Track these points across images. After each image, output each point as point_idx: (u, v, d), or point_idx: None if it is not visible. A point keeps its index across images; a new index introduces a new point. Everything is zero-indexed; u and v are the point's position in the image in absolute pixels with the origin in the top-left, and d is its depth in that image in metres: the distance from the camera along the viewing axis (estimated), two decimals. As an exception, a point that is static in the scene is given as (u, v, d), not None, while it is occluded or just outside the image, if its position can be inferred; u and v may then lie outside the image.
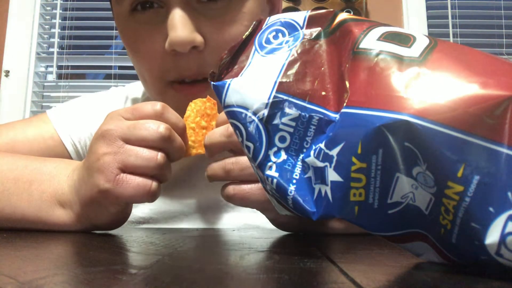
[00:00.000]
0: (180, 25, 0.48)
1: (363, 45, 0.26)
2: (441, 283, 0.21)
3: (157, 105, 0.42)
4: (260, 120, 0.28)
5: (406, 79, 0.23)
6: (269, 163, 0.28)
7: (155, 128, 0.40)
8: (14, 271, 0.21)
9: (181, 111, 0.45)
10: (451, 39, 1.78)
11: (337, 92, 0.27)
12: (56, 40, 1.81)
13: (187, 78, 0.52)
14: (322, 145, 0.26)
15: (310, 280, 0.21)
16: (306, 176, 0.27)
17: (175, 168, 0.46)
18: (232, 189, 0.41)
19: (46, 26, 1.86)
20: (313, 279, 0.21)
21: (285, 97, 0.27)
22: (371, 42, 0.26)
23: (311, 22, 0.29)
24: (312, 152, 0.27)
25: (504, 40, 1.80)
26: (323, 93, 0.27)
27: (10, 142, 0.58)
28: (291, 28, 0.30)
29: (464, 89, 0.21)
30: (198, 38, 0.49)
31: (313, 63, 0.28)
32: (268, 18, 0.31)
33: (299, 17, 0.30)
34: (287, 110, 0.27)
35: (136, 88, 0.67)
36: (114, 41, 1.84)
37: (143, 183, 0.40)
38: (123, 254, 0.30)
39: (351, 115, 0.24)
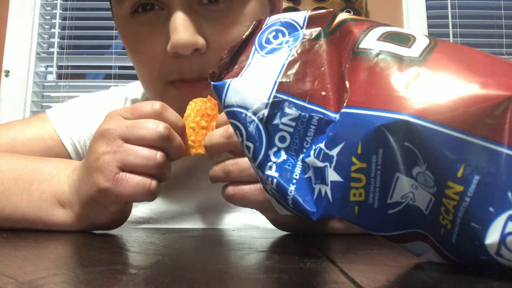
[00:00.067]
0: (182, 28, 0.48)
1: (363, 45, 0.26)
2: (441, 283, 0.21)
3: (156, 105, 0.42)
4: (260, 120, 0.28)
5: (406, 79, 0.23)
6: (269, 163, 0.28)
7: (154, 127, 0.40)
8: (14, 271, 0.21)
9: (182, 110, 0.45)
10: (451, 39, 1.78)
11: (337, 92, 0.27)
12: (56, 40, 1.81)
13: (187, 78, 0.52)
14: (322, 145, 0.26)
15: (310, 280, 0.21)
16: (306, 176, 0.27)
17: (175, 168, 0.46)
18: (231, 189, 0.42)
19: (46, 26, 1.86)
20: (313, 279, 0.21)
21: (285, 97, 0.27)
22: (371, 42, 0.26)
23: (311, 22, 0.29)
24: (312, 152, 0.27)
25: (504, 40, 1.80)
26: (323, 93, 0.27)
27: (9, 142, 0.58)
28: (291, 28, 0.30)
29: (464, 89, 0.21)
30: (200, 41, 0.49)
31: (313, 63, 0.28)
32: (268, 18, 0.31)
33: (299, 17, 0.30)
34: (287, 110, 0.27)
35: (136, 88, 0.67)
36: (114, 41, 1.84)
37: (142, 182, 0.40)
38: (123, 254, 0.30)
39: (351, 115, 0.24)
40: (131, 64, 0.57)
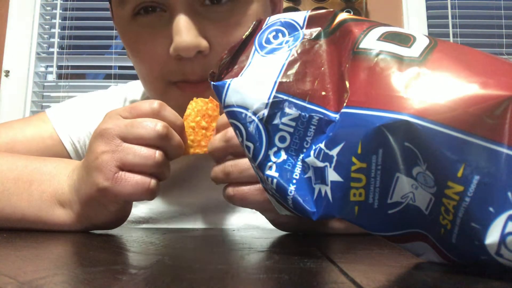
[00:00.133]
0: (185, 30, 0.47)
1: (363, 45, 0.26)
2: (441, 283, 0.21)
3: (155, 103, 0.42)
4: (260, 120, 0.28)
5: (406, 79, 0.23)
6: (269, 163, 0.28)
7: (152, 126, 0.40)
8: (14, 271, 0.21)
9: (183, 110, 0.45)
10: (451, 39, 1.78)
11: (337, 92, 0.27)
12: (56, 40, 1.81)
13: (190, 79, 0.51)
14: (322, 145, 0.26)
15: (310, 280, 0.21)
16: (306, 176, 0.27)
17: (175, 168, 0.46)
18: (231, 190, 0.42)
19: (46, 26, 1.86)
20: (313, 279, 0.21)
21: (285, 97, 0.27)
22: (371, 42, 0.26)
23: (311, 22, 0.29)
24: (312, 152, 0.27)
25: (504, 40, 1.80)
26: (323, 93, 0.27)
27: (9, 141, 0.58)
28: (291, 28, 0.30)
29: (464, 89, 0.21)
30: (203, 43, 0.49)
31: (313, 63, 0.28)
32: (268, 18, 0.31)
33: (299, 17, 0.30)
34: (287, 110, 0.27)
35: (135, 88, 0.67)
36: (114, 41, 1.84)
37: (141, 181, 0.40)
38: (123, 254, 0.30)
39: (351, 115, 0.24)
40: (131, 64, 0.57)
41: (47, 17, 1.86)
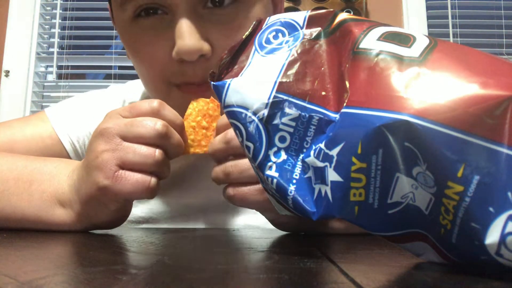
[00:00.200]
0: (187, 34, 0.47)
1: (363, 45, 0.26)
2: (441, 283, 0.21)
3: (154, 103, 0.42)
4: (260, 120, 0.28)
5: (406, 79, 0.23)
6: (269, 163, 0.28)
7: (152, 125, 0.40)
8: (14, 271, 0.21)
9: (184, 110, 0.45)
10: (451, 39, 1.78)
11: (337, 92, 0.27)
12: (56, 40, 1.81)
13: (192, 83, 0.51)
14: (322, 145, 0.26)
15: (310, 280, 0.21)
16: (306, 176, 0.27)
17: (175, 168, 0.46)
18: (232, 190, 0.42)
19: (46, 26, 1.86)
20: (313, 279, 0.21)
21: (285, 97, 0.27)
22: (371, 42, 0.26)
23: (311, 22, 0.29)
24: (312, 152, 0.27)
25: (504, 40, 1.80)
26: (323, 93, 0.27)
27: (8, 141, 0.58)
28: (291, 28, 0.30)
29: (464, 89, 0.21)
30: (206, 47, 0.48)
31: (313, 63, 0.28)
32: (268, 18, 0.31)
33: (299, 17, 0.30)
34: (287, 110, 0.27)
35: (135, 89, 0.67)
36: (114, 41, 1.84)
37: (142, 179, 0.40)
38: (123, 254, 0.30)
39: (351, 115, 0.24)
40: (131, 64, 0.57)
41: (47, 17, 1.86)
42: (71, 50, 1.84)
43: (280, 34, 0.30)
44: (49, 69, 1.86)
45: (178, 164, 0.48)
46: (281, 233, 0.47)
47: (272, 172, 0.28)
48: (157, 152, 0.40)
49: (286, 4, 1.73)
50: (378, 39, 0.26)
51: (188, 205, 0.60)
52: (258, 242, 0.38)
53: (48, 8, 1.86)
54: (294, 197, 0.27)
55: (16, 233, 0.42)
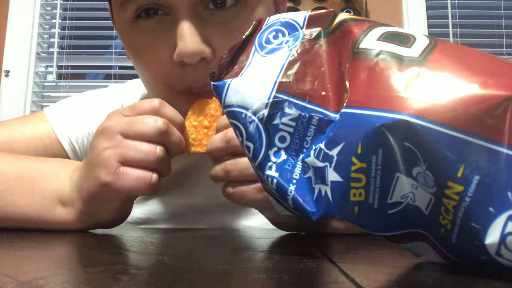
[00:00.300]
0: (188, 37, 0.47)
1: (363, 45, 0.26)
2: (441, 283, 0.21)
3: (155, 102, 0.43)
4: (260, 120, 0.28)
5: (406, 79, 0.23)
6: (269, 163, 0.28)
7: (153, 123, 0.41)
8: (14, 271, 0.21)
9: (186, 113, 0.46)
10: (451, 39, 1.78)
11: (337, 92, 0.27)
12: (56, 40, 1.81)
13: (194, 89, 0.51)
14: (322, 145, 0.26)
15: (310, 280, 0.21)
16: (306, 176, 0.27)
17: (174, 168, 0.46)
18: (231, 188, 0.42)
19: (46, 26, 1.86)
20: (313, 279, 0.21)
21: (285, 97, 0.27)
22: (371, 42, 0.26)
23: (311, 22, 0.29)
24: (312, 152, 0.27)
25: (504, 40, 1.80)
26: (323, 93, 0.27)
27: (7, 140, 0.58)
28: (291, 28, 0.30)
29: (464, 89, 0.21)
30: (207, 50, 0.48)
31: (313, 63, 0.28)
32: (268, 18, 0.31)
33: (299, 17, 0.30)
34: (287, 110, 0.27)
35: (134, 90, 0.67)
36: (114, 41, 1.84)
37: (143, 175, 0.41)
38: (123, 254, 0.30)
39: (351, 115, 0.24)
40: (131, 64, 0.57)
41: (47, 17, 1.86)
42: (71, 50, 1.84)
43: (280, 34, 0.30)
44: (49, 69, 1.86)
45: (176, 165, 0.48)
46: (281, 233, 0.47)
47: (272, 172, 0.28)
48: (158, 149, 0.41)
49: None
50: (378, 39, 0.26)
51: (187, 206, 0.60)
52: (258, 242, 0.38)
53: (48, 8, 1.86)
54: (294, 197, 0.27)
55: (16, 233, 0.42)
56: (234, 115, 0.28)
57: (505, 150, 0.20)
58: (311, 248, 0.34)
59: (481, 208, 0.21)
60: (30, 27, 1.80)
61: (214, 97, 0.46)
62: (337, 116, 0.26)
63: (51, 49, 1.86)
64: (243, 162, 0.41)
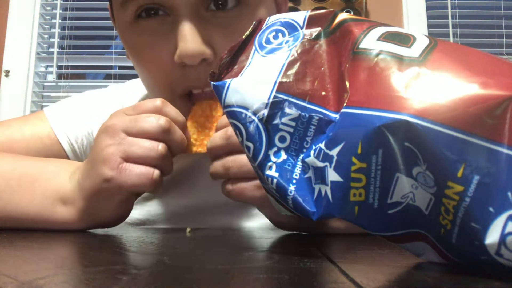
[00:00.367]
0: (189, 38, 0.47)
1: (363, 45, 0.26)
2: (441, 283, 0.21)
3: (157, 101, 0.44)
4: (260, 120, 0.28)
5: (406, 79, 0.23)
6: (269, 163, 0.28)
7: (155, 121, 0.42)
8: (14, 271, 0.21)
9: (186, 116, 0.46)
10: (451, 39, 1.78)
11: (337, 92, 0.27)
12: (56, 40, 1.81)
13: (195, 90, 0.51)
14: (322, 145, 0.26)
15: (310, 280, 0.21)
16: (306, 176, 0.27)
17: (174, 169, 0.46)
18: (230, 185, 0.42)
19: (46, 26, 1.86)
20: (313, 279, 0.21)
21: (285, 97, 0.27)
22: (371, 42, 0.26)
23: (311, 22, 0.29)
24: (312, 152, 0.27)
25: (504, 40, 1.80)
26: (323, 93, 0.27)
27: (6, 141, 0.58)
28: (291, 28, 0.30)
29: (464, 89, 0.21)
30: (208, 51, 0.48)
31: (313, 63, 0.28)
32: (268, 18, 0.31)
33: (299, 17, 0.30)
34: (287, 110, 0.27)
35: (134, 90, 0.67)
36: (114, 41, 1.84)
37: (145, 170, 0.41)
38: (123, 254, 0.30)
39: (351, 115, 0.24)
40: (131, 64, 0.57)
41: (47, 17, 1.86)
42: (71, 50, 1.84)
43: (280, 34, 0.30)
44: (49, 69, 1.86)
45: (177, 165, 0.48)
46: (281, 233, 0.47)
47: (272, 172, 0.28)
48: (161, 146, 0.42)
49: (286, 4, 1.73)
50: (378, 39, 0.26)
51: (187, 207, 0.60)
52: (258, 242, 0.38)
53: (48, 8, 1.86)
54: (294, 197, 0.27)
55: (16, 233, 0.42)
56: (234, 115, 0.28)
57: (505, 150, 0.20)
58: (311, 248, 0.34)
59: (481, 208, 0.21)
60: (30, 27, 1.80)
61: (215, 98, 0.46)
62: (337, 116, 0.26)
63: (51, 49, 1.85)
64: (243, 159, 0.41)
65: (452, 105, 0.21)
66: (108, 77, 1.89)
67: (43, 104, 1.81)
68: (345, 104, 0.25)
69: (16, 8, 1.80)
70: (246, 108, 0.28)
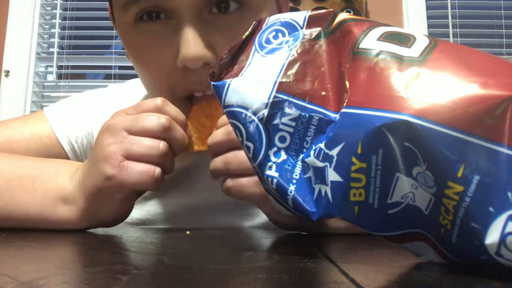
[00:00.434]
0: (192, 42, 0.47)
1: (363, 45, 0.26)
2: (441, 283, 0.21)
3: (158, 100, 0.44)
4: (260, 120, 0.28)
5: (406, 79, 0.23)
6: (269, 163, 0.28)
7: (156, 119, 0.42)
8: (14, 271, 0.21)
9: (187, 117, 0.46)
10: (451, 39, 1.78)
11: (337, 92, 0.27)
12: (56, 40, 1.81)
13: (196, 92, 0.51)
14: (322, 145, 0.26)
15: (310, 280, 0.21)
16: (306, 176, 0.27)
17: (174, 168, 0.46)
18: (230, 181, 0.43)
19: (46, 26, 1.86)
20: (313, 279, 0.21)
21: (285, 97, 0.27)
22: (371, 42, 0.26)
23: (311, 22, 0.29)
24: (312, 152, 0.27)
25: (504, 40, 1.80)
26: (323, 93, 0.27)
27: (6, 141, 0.58)
28: (291, 28, 0.30)
29: (464, 89, 0.21)
30: (210, 55, 0.48)
31: (313, 63, 0.28)
32: (268, 18, 0.31)
33: (299, 17, 0.30)
34: (287, 110, 0.27)
35: (134, 90, 0.66)
36: (114, 41, 1.84)
37: (147, 168, 0.41)
38: (123, 254, 0.30)
39: (351, 115, 0.24)
40: (131, 64, 0.57)
41: (47, 17, 1.86)
42: (71, 50, 1.84)
43: (280, 34, 0.30)
44: (49, 69, 1.86)
45: (176, 165, 0.48)
46: (281, 233, 0.47)
47: (272, 172, 0.28)
48: (162, 144, 0.42)
49: (286, 4, 1.73)
50: (378, 39, 0.26)
51: (187, 206, 0.60)
52: (258, 242, 0.38)
53: (48, 8, 1.86)
54: (294, 197, 0.27)
55: (16, 233, 0.42)
56: (234, 115, 0.28)
57: (505, 150, 0.20)
58: (311, 248, 0.34)
59: (481, 208, 0.21)
60: (30, 27, 1.80)
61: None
62: (337, 116, 0.26)
63: (51, 49, 1.85)
64: (243, 155, 0.41)
65: (452, 105, 0.21)
66: (108, 77, 1.90)
67: (43, 104, 1.81)
68: (345, 104, 0.25)
69: (16, 8, 1.80)
70: (246, 108, 0.28)
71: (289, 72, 0.28)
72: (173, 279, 0.20)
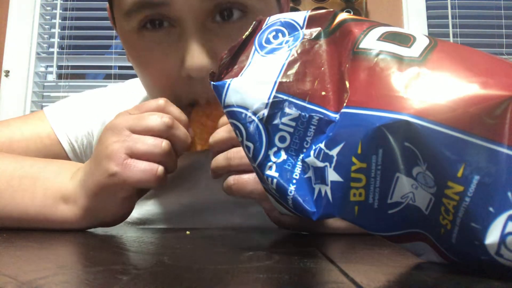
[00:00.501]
0: (196, 52, 0.47)
1: (363, 45, 0.26)
2: (441, 283, 0.21)
3: (160, 101, 0.45)
4: (260, 120, 0.28)
5: (406, 79, 0.23)
6: (269, 163, 0.28)
7: (159, 118, 0.43)
8: (14, 271, 0.21)
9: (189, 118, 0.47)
10: (451, 39, 1.78)
11: (337, 92, 0.27)
12: (56, 40, 1.81)
13: (201, 100, 0.51)
14: (322, 145, 0.26)
15: (310, 280, 0.21)
16: (306, 176, 0.27)
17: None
18: (232, 179, 0.43)
19: (46, 26, 1.86)
20: (313, 279, 0.21)
21: (285, 97, 0.27)
22: (371, 42, 0.26)
23: (311, 22, 0.29)
24: (312, 152, 0.27)
25: (504, 40, 1.80)
26: (323, 93, 0.27)
27: (6, 141, 0.58)
28: (291, 28, 0.30)
29: (464, 89, 0.21)
30: (214, 64, 0.48)
31: (313, 63, 0.28)
32: (268, 18, 0.31)
33: (299, 17, 0.30)
34: (287, 110, 0.27)
35: (135, 89, 0.66)
36: (114, 41, 1.84)
37: (149, 166, 0.42)
38: (123, 254, 0.30)
39: (351, 115, 0.24)
40: (131, 64, 0.56)
41: (47, 17, 1.86)
42: (71, 50, 1.84)
43: (280, 34, 0.30)
44: (49, 69, 1.86)
45: (178, 165, 0.48)
46: (281, 233, 0.47)
47: (272, 172, 0.28)
48: (164, 143, 0.42)
49: (286, 4, 1.73)
50: (378, 39, 0.26)
51: (187, 206, 0.60)
52: (258, 242, 0.38)
53: (48, 8, 1.86)
54: (294, 197, 0.27)
55: (16, 233, 0.42)
56: (234, 115, 0.28)
57: (505, 150, 0.20)
58: (311, 248, 0.34)
59: (481, 208, 0.21)
60: (30, 27, 1.80)
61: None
62: (337, 116, 0.26)
63: (51, 49, 1.85)
64: None
65: (452, 105, 0.21)
66: (108, 77, 1.89)
67: (43, 104, 1.81)
68: (345, 104, 0.25)
69: (16, 8, 1.80)
70: (246, 108, 0.28)
71: (289, 72, 0.28)
72: (173, 279, 0.20)
